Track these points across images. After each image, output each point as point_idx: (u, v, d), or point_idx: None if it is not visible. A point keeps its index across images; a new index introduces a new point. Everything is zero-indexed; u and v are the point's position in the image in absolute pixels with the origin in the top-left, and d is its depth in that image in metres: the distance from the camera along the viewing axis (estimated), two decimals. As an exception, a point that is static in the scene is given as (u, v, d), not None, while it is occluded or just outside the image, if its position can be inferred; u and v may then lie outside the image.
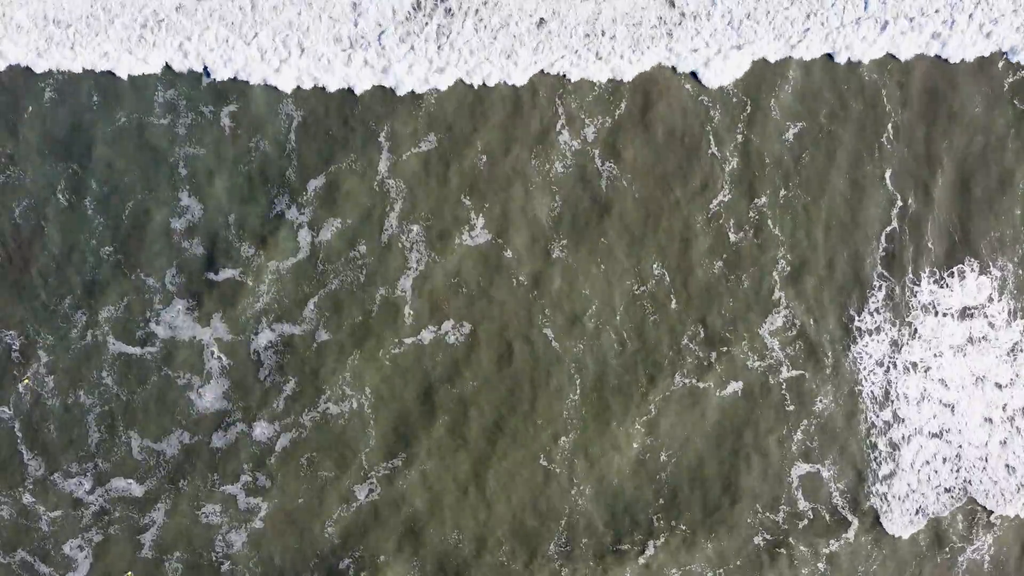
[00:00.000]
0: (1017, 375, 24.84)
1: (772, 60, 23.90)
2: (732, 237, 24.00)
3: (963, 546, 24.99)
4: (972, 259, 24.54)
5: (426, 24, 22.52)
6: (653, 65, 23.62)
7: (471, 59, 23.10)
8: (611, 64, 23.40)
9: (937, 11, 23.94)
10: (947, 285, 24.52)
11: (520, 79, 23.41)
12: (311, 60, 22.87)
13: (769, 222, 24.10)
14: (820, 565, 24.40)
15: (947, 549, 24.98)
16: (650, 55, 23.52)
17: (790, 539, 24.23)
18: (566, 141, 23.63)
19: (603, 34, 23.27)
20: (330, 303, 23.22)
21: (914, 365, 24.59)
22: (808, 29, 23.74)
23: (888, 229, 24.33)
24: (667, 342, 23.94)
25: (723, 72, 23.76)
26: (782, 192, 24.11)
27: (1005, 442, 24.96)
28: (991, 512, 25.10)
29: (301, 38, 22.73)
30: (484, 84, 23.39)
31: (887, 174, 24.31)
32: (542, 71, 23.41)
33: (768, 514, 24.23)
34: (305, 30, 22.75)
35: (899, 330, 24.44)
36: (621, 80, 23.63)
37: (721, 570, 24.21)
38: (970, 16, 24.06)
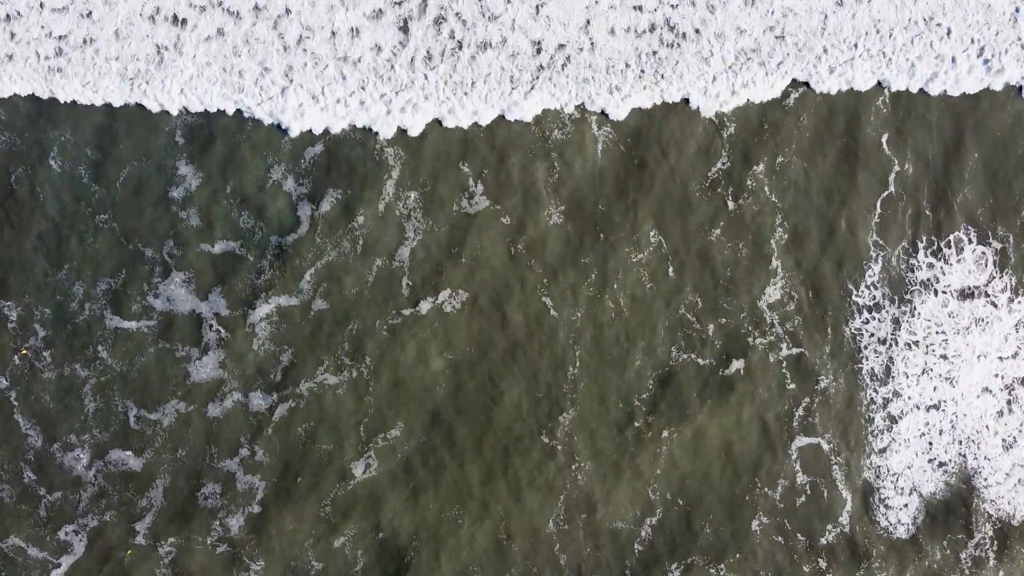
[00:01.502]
0: (1020, 347, 24.75)
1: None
2: (730, 204, 23.99)
3: (963, 538, 24.81)
4: (970, 227, 24.50)
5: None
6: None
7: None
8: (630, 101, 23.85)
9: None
10: (945, 258, 24.45)
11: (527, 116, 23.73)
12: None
13: (766, 189, 24.08)
14: (821, 563, 24.28)
15: (945, 543, 24.84)
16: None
17: (786, 522, 24.12)
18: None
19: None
20: (328, 274, 23.15)
21: (915, 343, 24.48)
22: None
23: (885, 194, 24.31)
24: (665, 313, 23.89)
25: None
26: (779, 159, 24.11)
27: (1001, 413, 24.88)
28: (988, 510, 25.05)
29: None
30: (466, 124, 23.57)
31: (884, 138, 24.34)
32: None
33: (767, 489, 24.13)
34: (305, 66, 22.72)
35: (898, 306, 24.38)
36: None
37: (722, 565, 24.09)
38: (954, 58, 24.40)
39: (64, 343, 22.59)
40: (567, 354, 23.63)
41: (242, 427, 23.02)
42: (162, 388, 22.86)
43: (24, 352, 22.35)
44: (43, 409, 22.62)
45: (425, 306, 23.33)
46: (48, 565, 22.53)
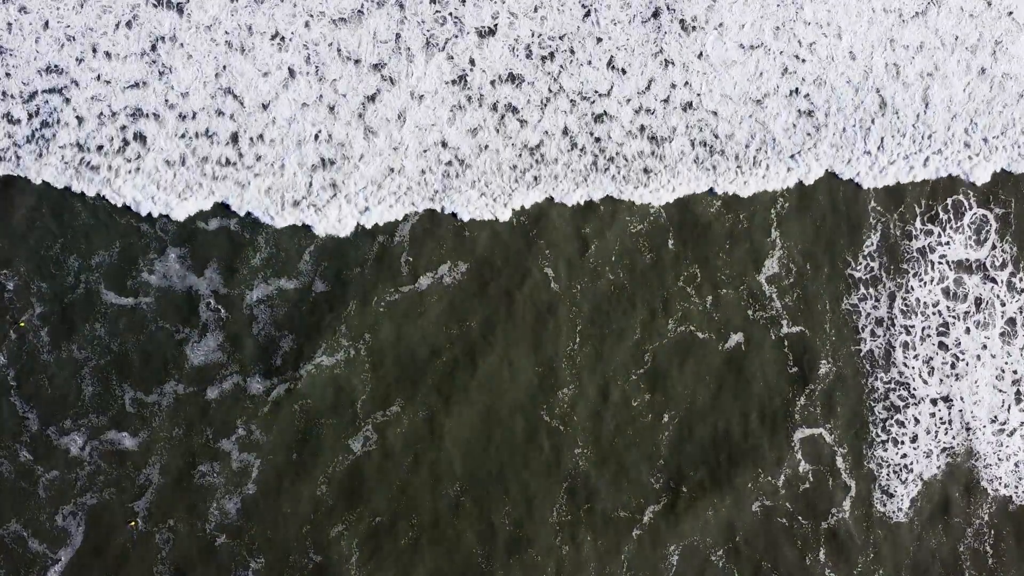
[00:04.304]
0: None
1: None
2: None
3: (960, 522, 24.70)
4: (969, 191, 24.51)
5: None
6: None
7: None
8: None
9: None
10: (943, 224, 24.30)
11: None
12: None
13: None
14: (822, 555, 24.10)
15: (941, 526, 24.70)
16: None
17: (788, 504, 23.94)
18: (563, 77, 23.60)
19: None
20: (327, 253, 22.84)
21: (912, 327, 24.37)
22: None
23: (885, 157, 24.40)
24: (665, 285, 23.78)
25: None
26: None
27: (1005, 404, 24.72)
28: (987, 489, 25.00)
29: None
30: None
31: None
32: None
33: (769, 478, 23.94)
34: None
35: (895, 281, 24.29)
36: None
37: (721, 551, 23.87)
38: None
39: (61, 321, 22.13)
40: (568, 329, 23.43)
41: (239, 408, 22.53)
42: (159, 370, 22.37)
43: (22, 324, 21.99)
44: (40, 390, 22.14)
45: (424, 281, 23.04)
46: (47, 560, 22.00)
